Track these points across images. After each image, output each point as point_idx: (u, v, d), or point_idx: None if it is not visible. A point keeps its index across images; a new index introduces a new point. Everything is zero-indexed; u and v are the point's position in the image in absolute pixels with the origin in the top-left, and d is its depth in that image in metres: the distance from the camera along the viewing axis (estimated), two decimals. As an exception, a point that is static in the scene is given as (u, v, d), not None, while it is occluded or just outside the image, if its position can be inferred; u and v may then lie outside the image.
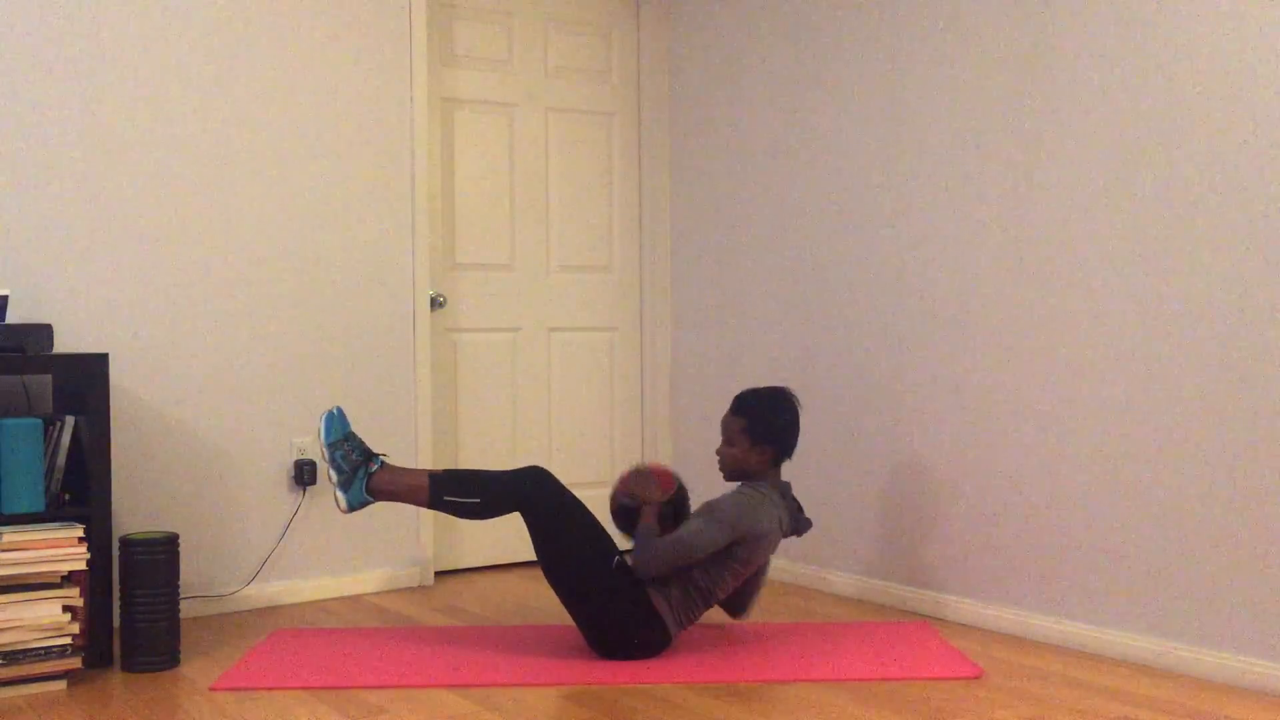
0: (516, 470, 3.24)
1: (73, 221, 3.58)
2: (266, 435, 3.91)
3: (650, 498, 3.30)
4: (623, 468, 4.78)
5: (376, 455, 3.24)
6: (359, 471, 3.20)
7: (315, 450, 3.99)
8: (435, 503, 3.19)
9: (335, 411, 3.23)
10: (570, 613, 3.19)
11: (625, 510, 3.35)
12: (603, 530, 3.20)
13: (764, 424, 3.31)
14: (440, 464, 4.34)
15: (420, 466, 4.19)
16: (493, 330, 4.49)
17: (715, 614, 3.69)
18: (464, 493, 3.18)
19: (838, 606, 3.86)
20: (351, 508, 3.19)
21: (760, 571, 3.41)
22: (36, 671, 2.95)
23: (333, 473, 3.19)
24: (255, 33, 3.89)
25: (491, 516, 3.21)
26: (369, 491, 3.19)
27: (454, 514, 3.20)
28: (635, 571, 3.13)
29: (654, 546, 3.11)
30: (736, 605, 3.45)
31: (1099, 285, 3.25)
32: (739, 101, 4.44)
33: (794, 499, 3.34)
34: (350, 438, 3.23)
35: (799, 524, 3.31)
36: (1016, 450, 3.47)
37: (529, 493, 3.17)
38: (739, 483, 3.36)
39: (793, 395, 3.39)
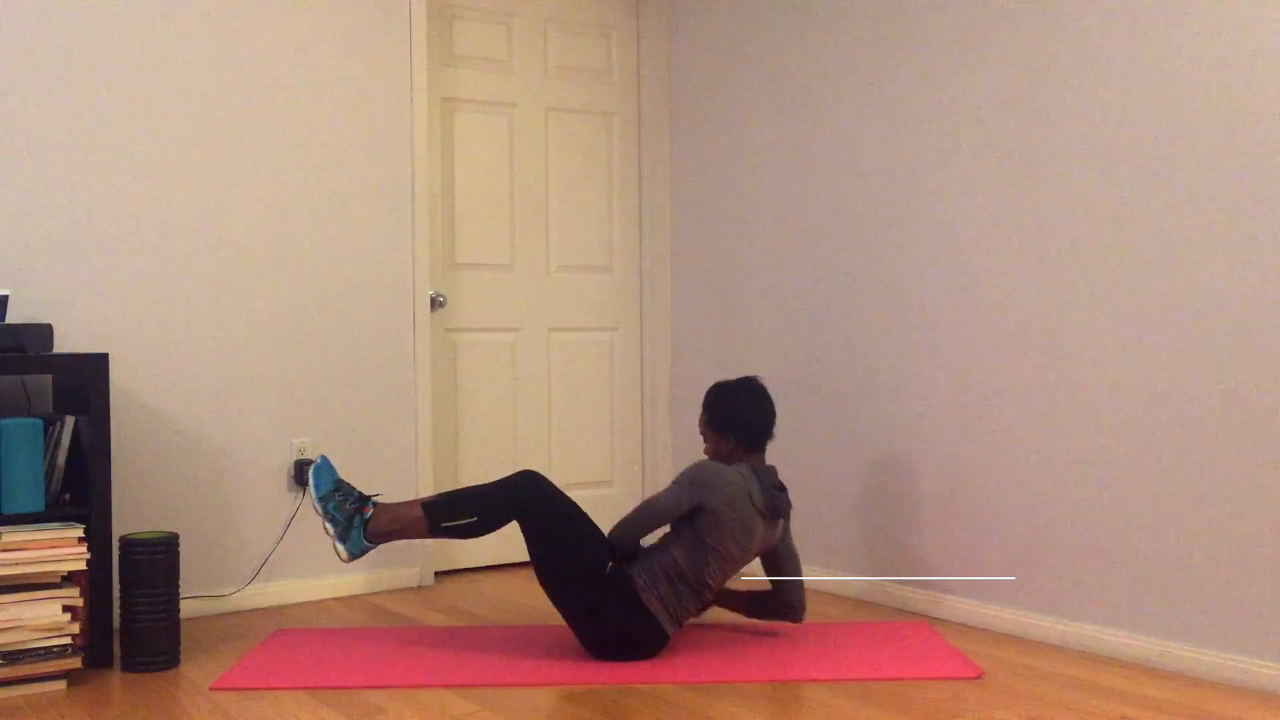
0: (508, 477, 3.23)
1: (73, 221, 3.58)
2: (266, 435, 3.91)
3: None
4: (622, 467, 4.77)
5: (369, 498, 3.23)
6: (354, 519, 3.19)
7: (314, 451, 3.99)
8: (435, 531, 3.19)
9: (321, 462, 3.23)
10: (564, 616, 3.19)
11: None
12: (597, 533, 3.20)
13: (719, 413, 3.42)
14: (440, 466, 4.34)
15: (420, 467, 4.19)
16: (493, 330, 4.49)
17: (722, 613, 3.69)
18: (460, 514, 3.18)
19: (838, 606, 3.86)
20: (353, 556, 3.19)
21: (782, 558, 3.39)
22: (36, 671, 2.95)
23: (328, 525, 3.18)
24: (255, 33, 3.89)
25: (492, 530, 3.20)
26: (368, 538, 3.19)
27: (456, 537, 3.20)
28: (611, 545, 3.19)
29: (624, 519, 3.22)
30: (780, 606, 3.41)
31: (1098, 286, 3.25)
32: (739, 101, 4.44)
33: (777, 481, 3.32)
34: (340, 485, 3.22)
35: (777, 503, 3.29)
36: (1016, 450, 3.47)
37: (524, 498, 3.17)
38: None
39: (756, 382, 3.43)
